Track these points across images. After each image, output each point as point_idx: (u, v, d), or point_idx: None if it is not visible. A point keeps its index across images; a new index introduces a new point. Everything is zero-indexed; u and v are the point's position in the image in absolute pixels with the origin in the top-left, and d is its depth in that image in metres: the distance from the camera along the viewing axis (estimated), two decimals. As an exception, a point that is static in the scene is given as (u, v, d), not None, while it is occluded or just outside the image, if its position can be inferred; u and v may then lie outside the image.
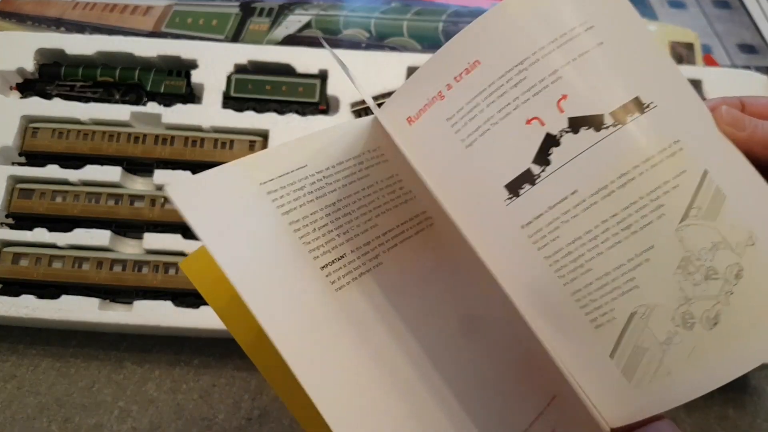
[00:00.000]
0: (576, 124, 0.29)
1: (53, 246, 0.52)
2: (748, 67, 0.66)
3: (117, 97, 0.58)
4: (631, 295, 0.28)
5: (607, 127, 0.29)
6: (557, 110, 0.29)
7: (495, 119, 0.30)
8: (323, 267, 0.29)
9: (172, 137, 0.55)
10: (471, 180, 0.31)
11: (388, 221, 0.32)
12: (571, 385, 0.29)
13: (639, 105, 0.29)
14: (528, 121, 0.30)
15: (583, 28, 0.29)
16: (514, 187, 0.30)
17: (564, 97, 0.29)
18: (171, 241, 0.52)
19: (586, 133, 0.29)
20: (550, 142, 0.29)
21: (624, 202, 0.28)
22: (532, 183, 0.30)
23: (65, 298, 0.49)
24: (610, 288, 0.28)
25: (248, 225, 0.28)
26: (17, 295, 0.49)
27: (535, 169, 0.30)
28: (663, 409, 0.29)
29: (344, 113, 0.56)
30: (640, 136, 0.28)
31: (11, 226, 0.53)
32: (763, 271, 0.27)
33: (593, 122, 0.29)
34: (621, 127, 0.28)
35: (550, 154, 0.29)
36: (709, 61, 0.67)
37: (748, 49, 0.69)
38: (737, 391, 0.51)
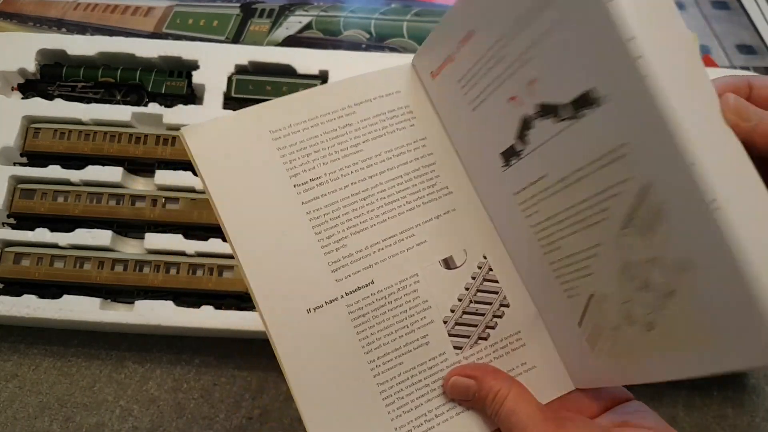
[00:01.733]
0: (544, 111, 0.28)
1: (55, 246, 0.52)
2: (746, 68, 0.66)
3: (118, 97, 0.58)
4: (588, 280, 0.29)
5: (563, 120, 0.27)
6: (530, 93, 0.28)
7: (490, 89, 0.30)
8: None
9: (174, 138, 0.55)
10: (476, 141, 0.32)
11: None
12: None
13: (592, 98, 0.25)
14: (511, 98, 0.29)
15: (544, 2, 0.26)
16: (506, 157, 0.31)
17: (535, 80, 0.28)
18: (172, 241, 0.52)
19: (550, 122, 0.28)
20: (526, 123, 0.29)
21: (578, 196, 0.28)
22: (518, 157, 0.30)
23: (67, 298, 0.49)
24: (574, 268, 0.29)
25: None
26: (19, 294, 0.50)
27: (518, 146, 0.30)
28: (621, 383, 0.30)
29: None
30: (590, 134, 0.26)
31: (13, 227, 0.53)
32: (693, 300, 0.24)
33: (553, 111, 0.27)
34: (575, 122, 0.26)
35: (527, 135, 0.29)
36: (708, 62, 0.68)
37: (746, 49, 0.69)
38: (736, 390, 0.51)
